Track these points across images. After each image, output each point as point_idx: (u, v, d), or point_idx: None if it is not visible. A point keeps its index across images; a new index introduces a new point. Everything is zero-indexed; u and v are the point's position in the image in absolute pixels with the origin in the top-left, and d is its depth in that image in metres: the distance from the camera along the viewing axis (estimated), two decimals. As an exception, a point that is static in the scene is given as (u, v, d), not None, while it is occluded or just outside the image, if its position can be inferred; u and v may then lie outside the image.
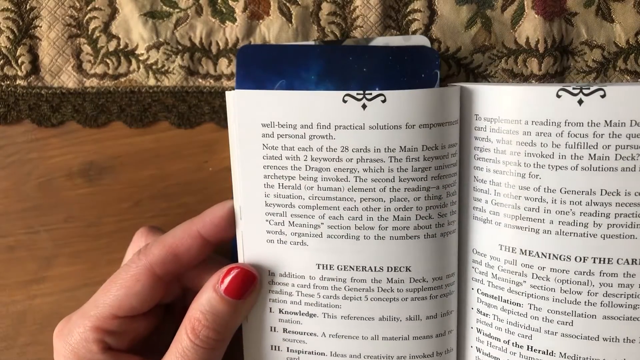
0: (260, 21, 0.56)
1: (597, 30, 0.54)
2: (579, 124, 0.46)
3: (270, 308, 0.52)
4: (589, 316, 0.47)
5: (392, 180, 0.48)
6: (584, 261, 0.47)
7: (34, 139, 0.58)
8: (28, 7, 0.56)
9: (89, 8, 0.56)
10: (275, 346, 0.52)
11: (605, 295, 0.47)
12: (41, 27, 0.56)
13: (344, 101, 0.48)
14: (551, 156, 0.47)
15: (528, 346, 0.49)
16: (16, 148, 0.59)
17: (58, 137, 0.58)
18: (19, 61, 0.57)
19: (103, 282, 0.51)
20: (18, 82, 0.57)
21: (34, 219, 0.60)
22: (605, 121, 0.45)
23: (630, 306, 0.46)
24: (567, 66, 0.54)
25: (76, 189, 0.59)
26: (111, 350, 0.50)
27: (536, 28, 0.54)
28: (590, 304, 0.47)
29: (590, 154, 0.46)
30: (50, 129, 0.58)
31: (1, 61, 0.57)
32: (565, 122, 0.46)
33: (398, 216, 0.49)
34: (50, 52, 0.57)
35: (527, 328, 0.49)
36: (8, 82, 0.57)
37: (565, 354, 0.48)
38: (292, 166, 0.49)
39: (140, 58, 0.57)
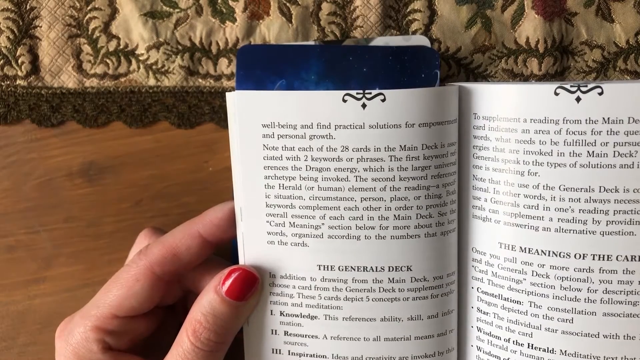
0: (260, 21, 0.56)
1: (597, 30, 0.54)
2: (577, 122, 0.46)
3: (271, 310, 0.52)
4: (589, 313, 0.47)
5: (393, 179, 0.48)
6: (583, 258, 0.47)
7: (34, 139, 0.59)
8: (28, 7, 0.56)
9: (89, 8, 0.56)
10: (276, 349, 0.52)
11: (605, 292, 0.47)
12: (41, 27, 0.57)
13: (344, 101, 0.48)
14: (550, 154, 0.47)
15: (528, 344, 0.49)
16: (16, 148, 0.59)
17: (58, 137, 0.59)
18: (19, 61, 0.57)
19: (103, 282, 0.51)
20: (18, 82, 0.57)
21: (34, 219, 0.60)
22: (603, 118, 0.45)
23: (630, 303, 0.46)
24: (567, 66, 0.54)
25: (76, 189, 0.59)
26: (112, 350, 0.50)
27: (536, 28, 0.54)
28: (590, 301, 0.47)
29: (588, 151, 0.46)
30: (50, 129, 0.58)
31: (1, 61, 0.57)
32: (564, 120, 0.46)
33: (398, 215, 0.49)
34: (50, 52, 0.57)
35: (528, 326, 0.49)
36: (8, 82, 0.57)
37: (565, 351, 0.48)
38: (293, 166, 0.49)
39: (140, 58, 0.57)
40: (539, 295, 0.48)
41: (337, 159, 0.48)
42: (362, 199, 0.49)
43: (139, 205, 0.59)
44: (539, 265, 0.48)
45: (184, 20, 0.56)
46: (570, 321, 0.47)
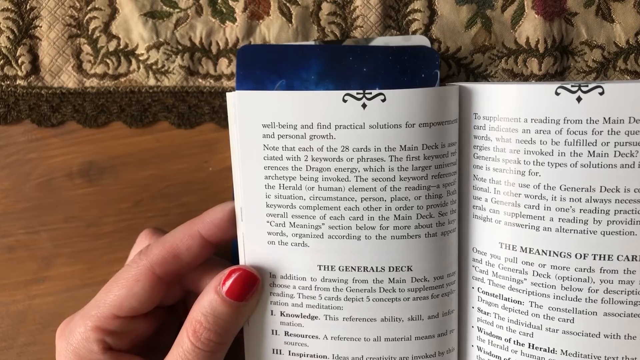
0: (260, 21, 0.56)
1: (597, 30, 0.54)
2: (577, 122, 0.46)
3: (272, 311, 0.52)
4: (589, 313, 0.47)
5: (393, 179, 0.48)
6: (584, 258, 0.47)
7: (34, 139, 0.59)
8: (28, 7, 0.56)
9: (89, 8, 0.56)
10: (277, 350, 0.52)
11: (605, 292, 0.47)
12: (41, 27, 0.57)
13: (344, 101, 0.48)
14: (550, 154, 0.47)
15: (529, 344, 0.49)
16: (16, 148, 0.59)
17: (58, 137, 0.58)
18: (19, 61, 0.57)
19: (103, 282, 0.51)
20: (18, 82, 0.57)
21: (34, 219, 0.60)
22: (604, 118, 0.45)
23: (630, 303, 0.46)
24: (567, 66, 0.54)
25: (76, 189, 0.59)
26: (112, 350, 0.50)
27: (536, 28, 0.54)
28: (590, 300, 0.47)
29: (589, 151, 0.46)
30: (50, 129, 0.58)
31: (1, 61, 0.57)
32: (564, 120, 0.46)
33: (399, 215, 0.49)
34: (50, 52, 0.57)
35: (528, 326, 0.49)
36: (8, 82, 0.57)
37: (566, 351, 0.48)
38: (293, 167, 0.49)
39: (140, 58, 0.57)
40: (539, 295, 0.48)
41: (338, 159, 0.48)
42: (363, 199, 0.49)
43: (139, 205, 0.59)
44: (540, 265, 0.48)
45: (184, 20, 0.56)
46: (571, 321, 0.47)
